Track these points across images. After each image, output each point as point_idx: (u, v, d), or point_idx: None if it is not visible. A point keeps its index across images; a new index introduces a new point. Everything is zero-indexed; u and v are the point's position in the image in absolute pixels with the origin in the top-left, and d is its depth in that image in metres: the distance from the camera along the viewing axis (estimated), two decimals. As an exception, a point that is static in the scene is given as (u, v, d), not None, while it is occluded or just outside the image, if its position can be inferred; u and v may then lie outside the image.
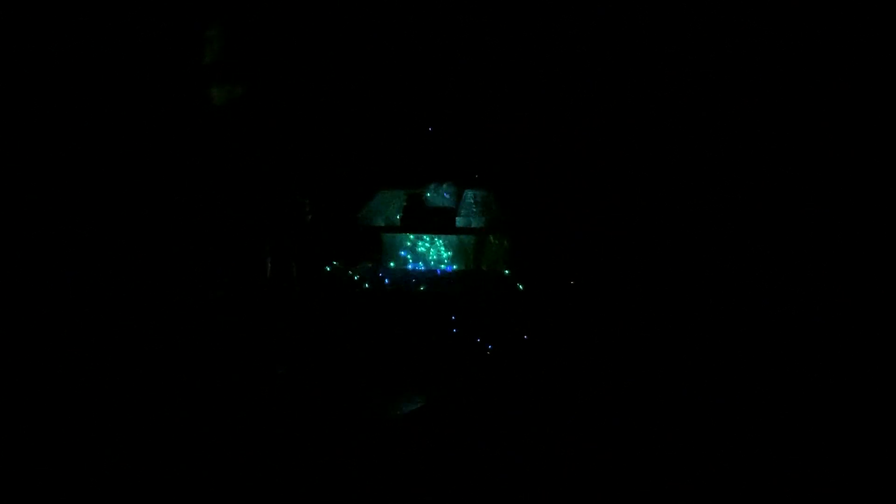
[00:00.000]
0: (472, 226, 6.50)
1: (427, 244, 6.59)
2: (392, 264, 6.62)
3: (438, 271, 6.47)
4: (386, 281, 6.47)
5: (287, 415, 5.16)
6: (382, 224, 6.71)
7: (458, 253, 6.49)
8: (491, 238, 6.56)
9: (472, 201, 6.57)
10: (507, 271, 6.58)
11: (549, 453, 4.51)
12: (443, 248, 6.53)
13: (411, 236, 6.61)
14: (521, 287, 6.36)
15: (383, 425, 5.05)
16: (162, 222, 5.29)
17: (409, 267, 6.56)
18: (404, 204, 6.63)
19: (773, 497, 3.99)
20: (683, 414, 4.88)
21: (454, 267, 6.48)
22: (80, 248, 5.04)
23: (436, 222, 6.57)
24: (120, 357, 4.80)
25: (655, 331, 5.78)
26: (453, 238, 6.52)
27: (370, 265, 6.75)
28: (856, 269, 5.14)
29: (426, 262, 6.55)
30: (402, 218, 6.63)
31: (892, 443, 4.40)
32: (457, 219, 6.59)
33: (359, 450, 4.58)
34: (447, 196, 6.63)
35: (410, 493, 4.15)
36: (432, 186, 6.68)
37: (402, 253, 6.62)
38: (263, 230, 5.53)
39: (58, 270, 4.70)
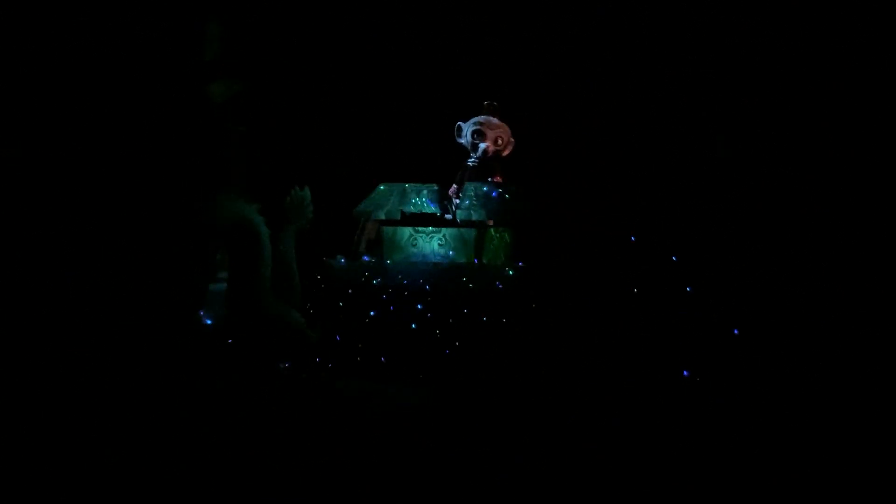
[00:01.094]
0: (473, 219, 6.50)
1: (427, 238, 6.58)
2: (393, 258, 6.62)
3: (439, 264, 6.48)
4: (386, 275, 6.48)
5: (288, 410, 5.17)
6: (383, 217, 6.72)
7: (459, 246, 6.49)
8: (492, 231, 6.56)
9: (472, 194, 6.56)
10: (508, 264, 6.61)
11: (549, 453, 4.51)
12: (443, 242, 6.52)
13: (411, 230, 6.62)
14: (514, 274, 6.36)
15: (384, 421, 5.06)
16: (160, 218, 5.28)
17: (410, 260, 6.56)
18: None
19: (774, 497, 3.99)
20: (684, 414, 4.88)
21: (455, 260, 6.48)
22: (80, 246, 5.04)
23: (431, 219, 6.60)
24: (117, 353, 4.79)
25: (656, 330, 5.78)
26: (454, 231, 6.52)
27: (371, 259, 6.75)
28: (857, 269, 5.12)
29: (426, 256, 6.55)
30: (402, 212, 6.65)
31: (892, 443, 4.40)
32: (458, 212, 6.59)
33: (359, 447, 4.59)
34: (430, 201, 6.63)
35: (410, 492, 4.16)
36: (413, 190, 6.67)
37: (403, 246, 6.62)
38: (263, 224, 5.51)
39: (57, 269, 4.69)
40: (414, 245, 6.60)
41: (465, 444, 4.66)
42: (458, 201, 6.70)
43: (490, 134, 6.87)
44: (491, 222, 6.56)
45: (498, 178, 6.89)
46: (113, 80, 6.12)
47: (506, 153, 6.96)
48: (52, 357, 4.55)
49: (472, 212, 6.49)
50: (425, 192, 6.66)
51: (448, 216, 6.67)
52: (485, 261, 6.48)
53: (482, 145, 6.85)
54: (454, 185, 6.92)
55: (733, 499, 4.00)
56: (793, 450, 4.38)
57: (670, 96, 6.55)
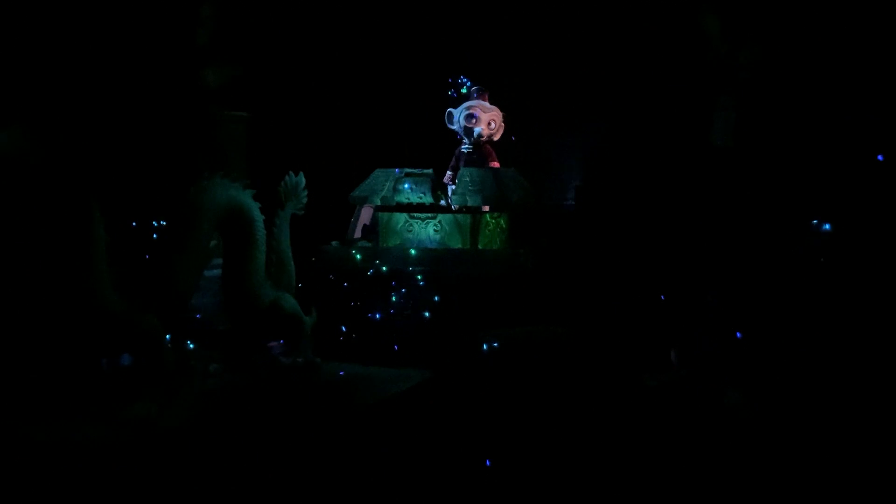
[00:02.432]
0: (469, 204, 6.49)
1: (423, 224, 6.58)
2: (388, 243, 6.62)
3: (434, 249, 6.48)
4: (382, 260, 6.48)
5: (283, 395, 5.17)
6: (379, 203, 6.71)
7: (455, 232, 6.48)
8: (487, 217, 6.55)
9: (468, 179, 6.56)
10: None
11: (543, 437, 4.51)
12: (439, 228, 6.52)
13: (406, 215, 6.61)
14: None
15: (378, 405, 5.06)
16: (154, 204, 5.26)
17: (405, 246, 6.56)
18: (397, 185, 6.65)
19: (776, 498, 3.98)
20: (683, 411, 4.87)
21: (450, 246, 6.47)
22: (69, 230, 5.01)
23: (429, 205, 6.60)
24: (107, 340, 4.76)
25: (657, 321, 5.77)
26: (449, 217, 6.51)
27: (368, 244, 6.76)
28: (857, 262, 5.07)
29: (422, 242, 6.55)
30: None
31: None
32: (453, 197, 6.59)
33: (353, 431, 4.59)
34: (421, 190, 6.62)
35: (404, 476, 4.17)
36: (404, 177, 6.66)
37: (399, 232, 6.61)
38: (257, 210, 5.50)
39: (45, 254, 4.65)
40: (409, 231, 6.60)
41: (459, 429, 4.66)
42: (453, 187, 6.69)
43: (484, 117, 6.86)
44: (486, 208, 6.55)
45: (495, 164, 6.88)
46: (106, 67, 6.10)
47: (497, 137, 6.96)
48: (40, 341, 4.53)
49: (467, 197, 6.49)
50: (420, 179, 6.66)
51: (443, 202, 6.67)
52: (480, 246, 6.48)
53: (477, 129, 6.84)
54: (449, 172, 6.92)
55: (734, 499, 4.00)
56: (800, 451, 4.37)
57: (665, 83, 6.53)
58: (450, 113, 6.97)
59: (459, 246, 6.46)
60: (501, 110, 6.97)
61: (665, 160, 6.41)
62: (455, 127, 6.96)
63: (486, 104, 6.94)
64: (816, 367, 4.94)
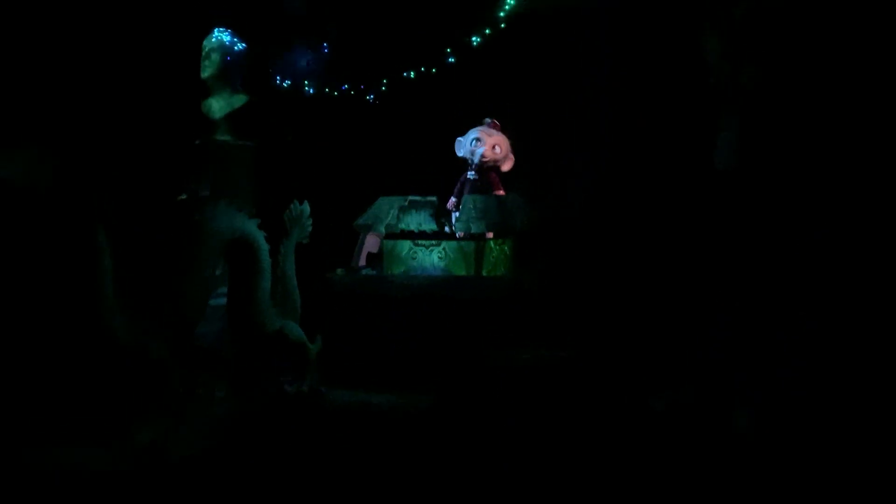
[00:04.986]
0: (472, 231, 6.50)
1: (427, 251, 6.58)
2: (393, 271, 6.63)
3: (439, 277, 6.48)
4: (387, 287, 6.48)
5: (288, 423, 5.18)
6: (383, 230, 6.72)
7: (459, 259, 6.49)
8: (491, 243, 6.55)
9: (472, 206, 6.56)
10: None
11: (548, 461, 4.51)
12: (443, 255, 6.52)
13: (411, 243, 6.62)
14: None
15: (384, 432, 5.06)
16: (161, 232, 5.29)
17: (410, 273, 6.56)
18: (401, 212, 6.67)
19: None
20: (690, 433, 4.86)
21: (454, 273, 6.48)
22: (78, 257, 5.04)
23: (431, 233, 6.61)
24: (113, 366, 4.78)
25: (660, 333, 5.77)
26: (453, 244, 6.52)
27: (372, 272, 6.76)
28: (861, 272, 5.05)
29: (426, 269, 6.55)
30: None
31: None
32: (457, 224, 6.59)
33: (358, 458, 4.60)
34: (427, 215, 6.63)
35: (411, 496, 4.17)
36: (410, 204, 6.68)
37: (403, 259, 6.62)
38: (263, 238, 5.53)
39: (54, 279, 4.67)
40: (414, 258, 6.60)
41: (464, 454, 4.66)
42: (457, 214, 6.70)
43: (489, 141, 6.87)
44: (490, 234, 6.56)
45: (501, 192, 6.88)
46: (113, 93, 6.16)
47: (505, 168, 6.95)
48: (48, 366, 4.54)
49: (471, 224, 6.49)
50: (423, 208, 6.66)
51: (447, 229, 6.67)
52: (484, 273, 6.48)
53: (480, 150, 6.84)
54: (453, 198, 6.92)
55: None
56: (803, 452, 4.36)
57: (668, 105, 6.56)
58: (458, 141, 6.99)
59: (464, 273, 6.46)
60: (507, 131, 6.98)
61: (669, 182, 6.42)
62: (462, 153, 6.97)
63: (494, 131, 6.96)
64: (826, 386, 4.93)
